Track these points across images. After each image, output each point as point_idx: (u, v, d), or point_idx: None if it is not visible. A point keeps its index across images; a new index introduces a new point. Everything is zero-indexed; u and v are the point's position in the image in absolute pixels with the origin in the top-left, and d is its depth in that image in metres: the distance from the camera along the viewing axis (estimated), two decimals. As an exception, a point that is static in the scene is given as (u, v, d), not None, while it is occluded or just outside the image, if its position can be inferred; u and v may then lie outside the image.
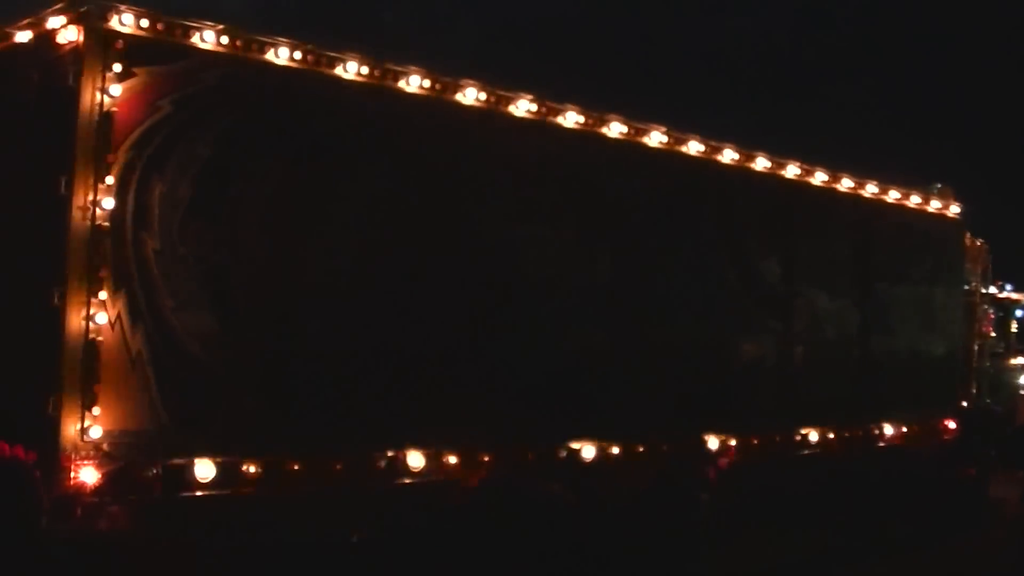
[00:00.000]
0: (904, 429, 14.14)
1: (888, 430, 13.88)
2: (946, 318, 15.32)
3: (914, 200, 14.69)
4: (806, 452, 12.65)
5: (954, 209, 15.27)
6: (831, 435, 12.99)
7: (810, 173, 13.07)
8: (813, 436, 12.72)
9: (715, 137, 11.80)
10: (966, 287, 16.28)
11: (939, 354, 15.10)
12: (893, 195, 14.35)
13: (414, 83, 9.28)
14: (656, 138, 11.12)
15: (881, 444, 13.81)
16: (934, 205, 15.02)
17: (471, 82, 9.66)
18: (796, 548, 12.03)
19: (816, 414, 12.79)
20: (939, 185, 15.41)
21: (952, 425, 15.05)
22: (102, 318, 7.48)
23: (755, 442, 11.99)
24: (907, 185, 14.62)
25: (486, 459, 9.52)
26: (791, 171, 12.79)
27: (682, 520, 10.89)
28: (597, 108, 10.64)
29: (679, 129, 11.37)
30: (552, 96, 10.28)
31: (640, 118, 11.05)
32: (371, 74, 9.05)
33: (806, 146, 13.63)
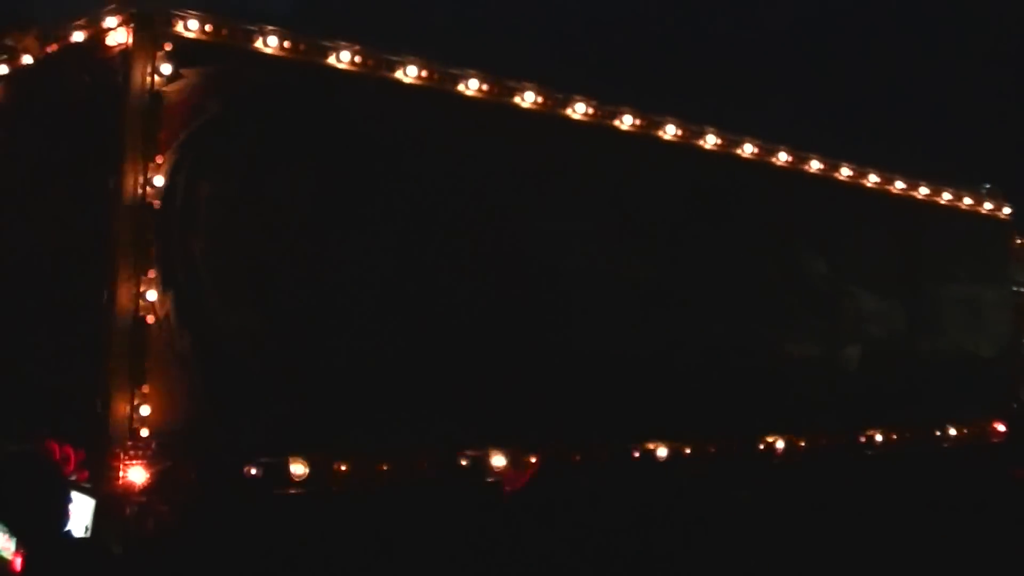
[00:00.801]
0: (952, 430, 14.01)
1: (935, 431, 13.75)
2: (994, 319, 15.16)
3: (962, 200, 14.55)
4: (852, 452, 12.56)
5: (1004, 210, 15.11)
6: (878, 436, 12.90)
7: (858, 172, 12.97)
8: (859, 437, 12.63)
9: (757, 135, 11.73)
10: (1015, 288, 16.10)
11: (987, 355, 14.94)
12: (941, 195, 14.22)
13: (449, 82, 9.32)
14: (703, 137, 11.08)
15: (928, 445, 13.68)
16: (983, 205, 14.87)
17: (505, 80, 9.69)
18: (841, 548, 11.93)
19: (863, 415, 12.70)
20: (988, 185, 15.26)
21: (1001, 427, 14.89)
22: (150, 318, 7.53)
23: (800, 442, 11.92)
24: (955, 185, 14.49)
25: (532, 460, 9.52)
26: (839, 170, 12.70)
27: (724, 519, 10.85)
28: (634, 103, 10.61)
29: (721, 126, 11.32)
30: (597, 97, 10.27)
31: (678, 112, 11.02)
32: (414, 76, 9.07)
33: (852, 145, 13.55)
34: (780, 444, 11.62)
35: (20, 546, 8.10)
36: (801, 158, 12.20)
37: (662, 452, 10.41)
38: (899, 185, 13.57)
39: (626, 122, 10.47)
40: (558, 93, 10.04)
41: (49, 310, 8.47)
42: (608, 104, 10.38)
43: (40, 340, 8.55)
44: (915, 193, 13.84)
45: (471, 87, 9.46)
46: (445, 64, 9.32)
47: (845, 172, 12.81)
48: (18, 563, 8.03)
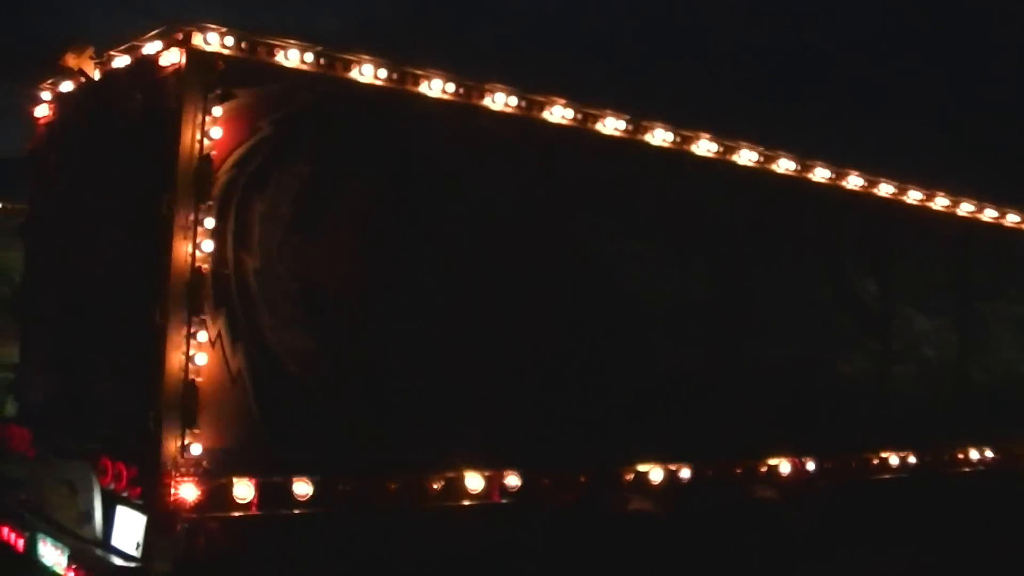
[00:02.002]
0: (1003, 453, 13.85)
1: (987, 453, 13.60)
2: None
3: (1015, 219, 14.41)
4: (902, 474, 12.44)
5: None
6: (928, 457, 12.79)
7: (907, 191, 12.89)
8: (910, 458, 12.53)
9: (805, 154, 11.69)
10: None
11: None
12: (992, 213, 14.09)
13: (506, 102, 9.33)
14: (751, 156, 11.05)
15: (979, 468, 13.54)
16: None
17: (560, 100, 9.66)
18: (888, 572, 11.85)
19: (913, 436, 12.59)
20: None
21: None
22: (203, 336, 7.56)
23: (851, 462, 11.85)
24: (1008, 203, 14.35)
25: (581, 479, 9.51)
26: (888, 189, 12.62)
27: (773, 540, 10.80)
28: (686, 124, 10.59)
29: (771, 145, 11.29)
30: (640, 112, 10.26)
31: (730, 133, 10.97)
32: (463, 93, 9.08)
33: (902, 164, 13.47)
34: (829, 464, 11.54)
35: (72, 561, 8.20)
36: (849, 176, 12.14)
37: (711, 472, 10.37)
38: (950, 203, 13.46)
39: (674, 141, 10.47)
40: (630, 116, 10.06)
41: (103, 327, 8.55)
42: (682, 127, 10.40)
43: (94, 357, 8.62)
44: (967, 211, 13.72)
45: (553, 112, 9.55)
46: (526, 88, 9.39)
47: (896, 190, 12.72)
48: None
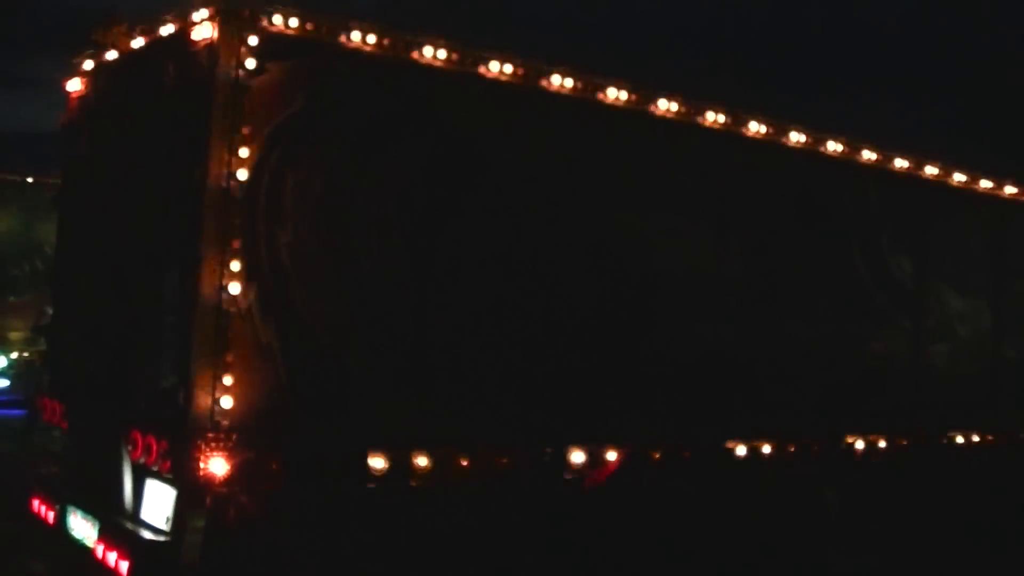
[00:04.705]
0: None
1: (1021, 434, 13.51)
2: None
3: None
4: (938, 453, 12.38)
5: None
6: (961, 438, 12.72)
7: (944, 170, 12.78)
8: (944, 438, 12.47)
9: (845, 132, 11.61)
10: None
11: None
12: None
13: (554, 81, 9.30)
14: (791, 135, 10.98)
15: (1013, 446, 13.45)
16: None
17: (607, 78, 9.62)
18: (925, 550, 11.77)
19: (948, 415, 12.53)
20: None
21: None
22: (234, 308, 7.57)
23: (884, 442, 11.79)
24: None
25: (614, 455, 9.49)
26: (925, 168, 12.53)
27: (809, 519, 10.77)
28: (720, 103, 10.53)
29: (811, 126, 11.21)
30: (680, 94, 10.19)
31: (768, 113, 10.91)
32: (506, 72, 9.04)
33: (938, 143, 13.37)
34: (860, 444, 11.50)
35: (102, 534, 8.23)
36: (886, 155, 12.05)
37: (742, 450, 10.34)
38: (986, 183, 13.35)
39: (716, 119, 10.40)
40: (649, 90, 9.98)
41: (134, 302, 8.57)
42: (698, 102, 10.31)
43: (126, 330, 8.64)
44: (1003, 191, 13.60)
45: (565, 84, 9.43)
46: (536, 60, 9.29)
47: (932, 169, 12.62)
48: (100, 551, 8.15)
